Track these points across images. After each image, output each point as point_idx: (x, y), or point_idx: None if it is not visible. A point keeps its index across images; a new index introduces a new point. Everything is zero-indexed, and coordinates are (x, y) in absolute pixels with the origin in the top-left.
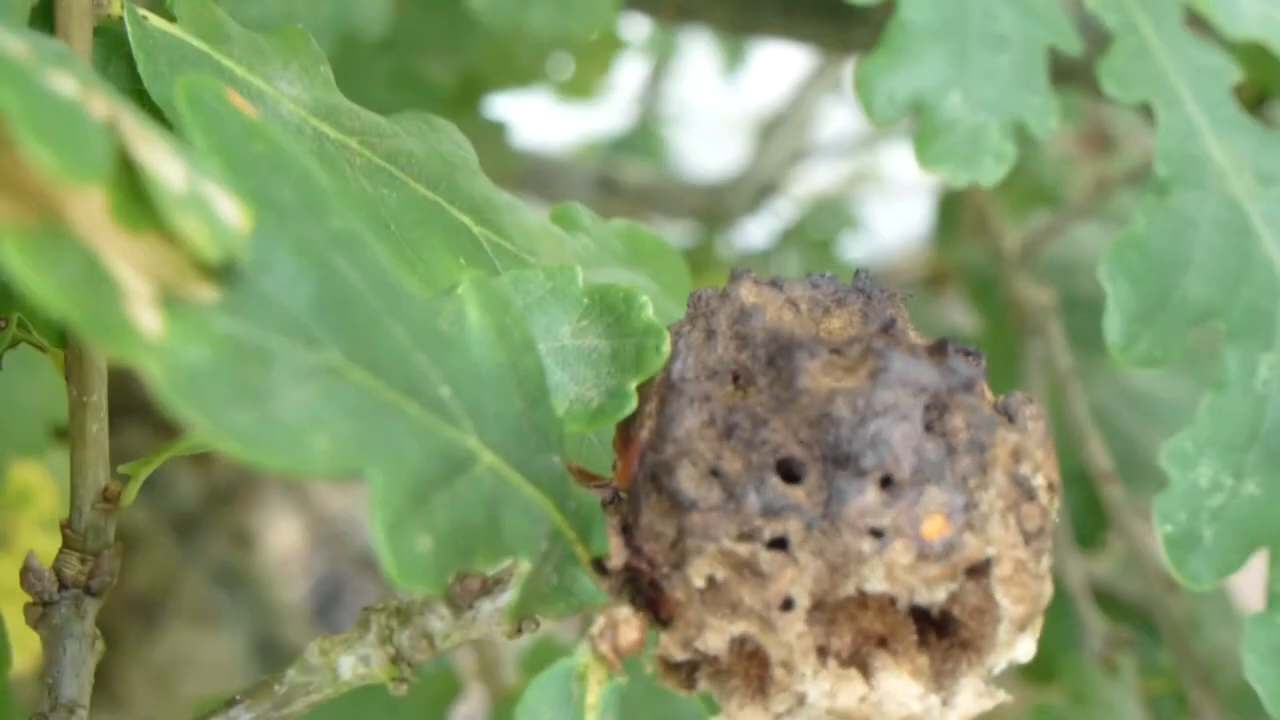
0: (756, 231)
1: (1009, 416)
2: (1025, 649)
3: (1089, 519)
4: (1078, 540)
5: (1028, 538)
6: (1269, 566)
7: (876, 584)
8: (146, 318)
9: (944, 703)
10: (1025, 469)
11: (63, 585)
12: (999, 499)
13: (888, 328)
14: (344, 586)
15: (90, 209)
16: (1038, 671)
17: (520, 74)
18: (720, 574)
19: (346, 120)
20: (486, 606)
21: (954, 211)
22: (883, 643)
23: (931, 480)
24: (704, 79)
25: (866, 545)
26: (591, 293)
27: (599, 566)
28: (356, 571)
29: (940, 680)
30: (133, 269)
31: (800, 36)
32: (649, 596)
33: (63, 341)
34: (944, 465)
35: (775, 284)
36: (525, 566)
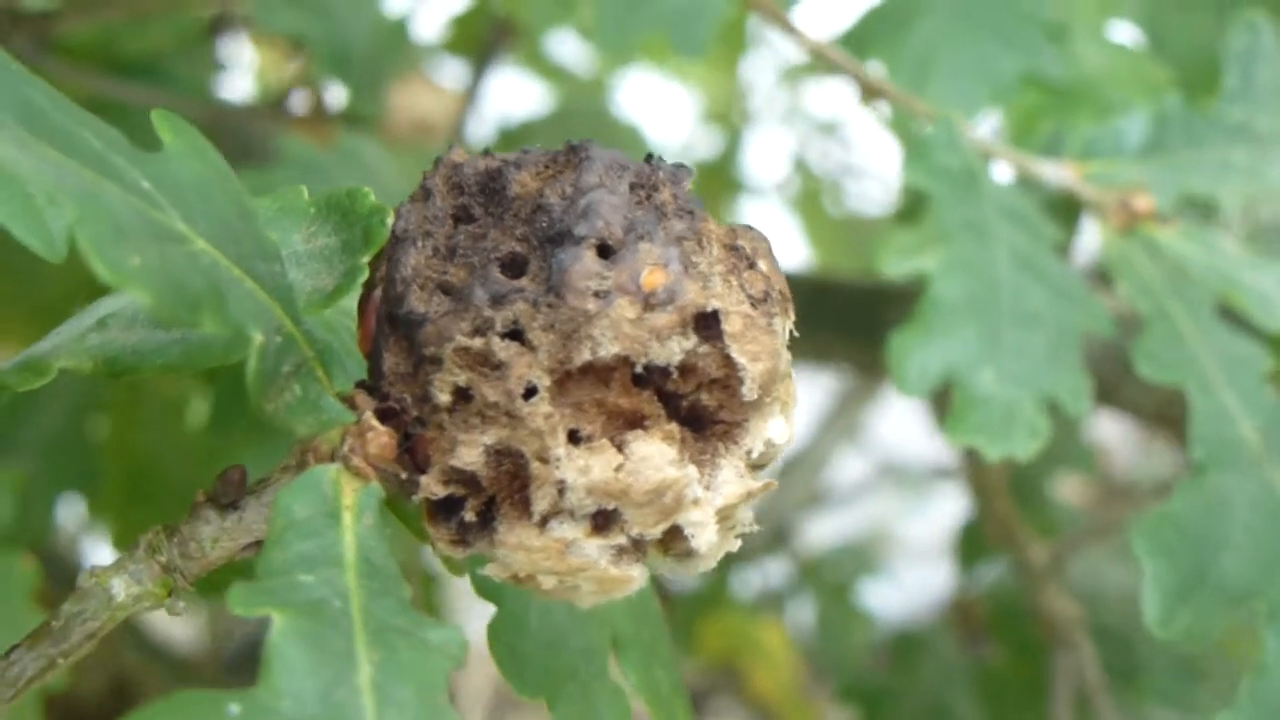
0: (774, 571)
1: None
2: (779, 429)
3: None
4: None
5: (754, 301)
6: None
7: (608, 345)
8: None
9: (707, 486)
10: (743, 244)
11: None
12: (717, 263)
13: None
14: None
15: None
16: None
17: None
18: (462, 379)
19: None
20: (252, 505)
21: (975, 534)
22: (632, 423)
23: (645, 238)
24: None
25: (591, 305)
26: (317, 201)
27: (348, 403)
28: None
29: (701, 467)
30: None
31: (829, 357)
32: (405, 449)
33: None
34: (656, 226)
35: (486, 153)
36: (258, 337)
